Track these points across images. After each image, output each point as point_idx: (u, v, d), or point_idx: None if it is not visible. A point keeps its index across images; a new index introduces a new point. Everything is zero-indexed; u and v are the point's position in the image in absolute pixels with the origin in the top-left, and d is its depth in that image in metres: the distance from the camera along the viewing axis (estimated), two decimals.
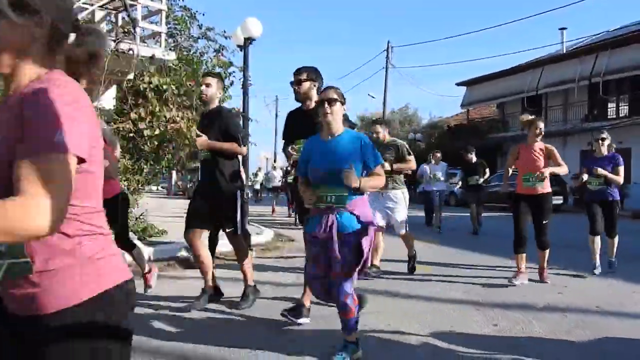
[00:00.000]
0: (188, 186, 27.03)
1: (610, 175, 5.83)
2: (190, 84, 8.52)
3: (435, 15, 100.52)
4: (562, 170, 5.42)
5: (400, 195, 5.91)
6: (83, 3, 8.28)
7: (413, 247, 6.14)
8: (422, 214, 12.12)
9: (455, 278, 5.73)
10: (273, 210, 15.87)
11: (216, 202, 4.35)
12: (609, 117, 21.54)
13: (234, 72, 13.52)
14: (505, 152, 25.36)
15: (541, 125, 5.45)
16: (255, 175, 23.03)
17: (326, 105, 3.15)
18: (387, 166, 5.40)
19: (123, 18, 9.00)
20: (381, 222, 5.78)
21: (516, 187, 5.66)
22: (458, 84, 29.43)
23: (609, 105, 22.06)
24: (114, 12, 9.12)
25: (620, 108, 21.64)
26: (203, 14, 15.44)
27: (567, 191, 19.46)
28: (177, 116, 7.25)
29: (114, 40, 7.92)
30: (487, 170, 10.77)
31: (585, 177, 5.85)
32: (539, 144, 5.44)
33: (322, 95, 3.24)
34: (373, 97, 32.68)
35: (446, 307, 4.45)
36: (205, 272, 4.45)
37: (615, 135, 19.66)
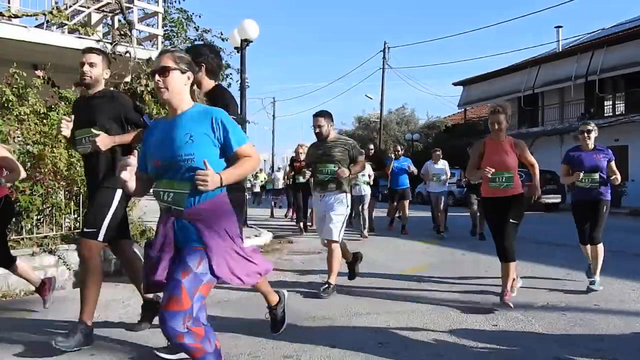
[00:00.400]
0: None
1: (619, 177, 5.19)
2: None
3: (432, 15, 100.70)
4: (537, 176, 4.79)
5: (345, 199, 5.11)
6: (80, 6, 8.27)
7: (350, 254, 5.42)
8: (422, 214, 12.14)
9: (454, 278, 5.73)
10: (272, 214, 15.83)
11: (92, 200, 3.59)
12: (605, 115, 21.61)
13: (231, 74, 13.54)
14: None
15: (500, 118, 4.53)
16: (255, 177, 22.93)
17: (157, 77, 2.43)
18: (346, 172, 4.99)
19: (119, 20, 8.99)
20: (327, 234, 5.05)
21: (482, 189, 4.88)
22: (455, 84, 29.51)
23: (606, 103, 22.14)
24: (110, 14, 9.13)
25: (616, 106, 21.73)
26: (199, 16, 15.43)
27: (565, 189, 19.51)
28: None
29: (111, 43, 7.91)
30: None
31: (581, 174, 5.12)
32: (508, 139, 4.68)
33: (154, 66, 2.50)
34: (370, 98, 32.73)
35: (445, 307, 4.45)
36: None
37: (612, 133, 19.92)
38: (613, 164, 5.18)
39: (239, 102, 10.60)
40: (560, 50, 23.91)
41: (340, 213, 5.04)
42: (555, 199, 18.62)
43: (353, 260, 5.47)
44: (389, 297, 4.88)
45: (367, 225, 9.74)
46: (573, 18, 71.18)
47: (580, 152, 5.26)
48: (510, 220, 4.46)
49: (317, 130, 5.12)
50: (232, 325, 3.93)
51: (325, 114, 5.16)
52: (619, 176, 5.18)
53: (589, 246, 5.13)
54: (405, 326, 3.89)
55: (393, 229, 10.72)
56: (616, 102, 21.83)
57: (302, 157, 10.06)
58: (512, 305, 4.32)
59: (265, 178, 23.32)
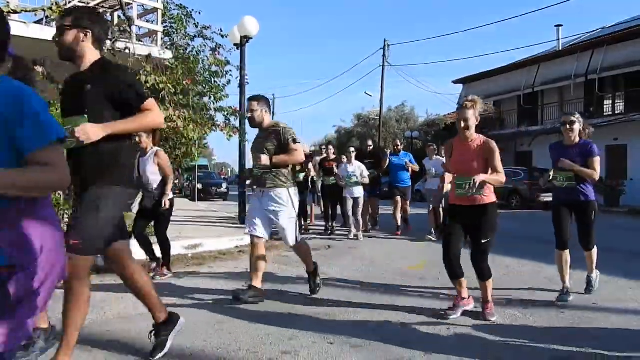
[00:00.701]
0: (185, 185, 27.03)
1: (579, 168, 4.46)
2: (186, 83, 8.50)
3: (432, 13, 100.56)
4: (498, 179, 3.92)
5: (286, 195, 4.57)
6: (79, 2, 8.25)
7: (312, 262, 4.90)
8: (422, 211, 12.13)
9: None
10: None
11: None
12: (605, 114, 21.62)
13: (230, 70, 13.52)
14: (502, 150, 25.42)
15: (466, 114, 3.92)
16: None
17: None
18: (265, 159, 4.45)
19: (119, 17, 8.97)
20: (261, 232, 4.60)
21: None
22: (455, 82, 29.48)
23: (605, 102, 22.14)
24: (109, 10, 9.10)
25: (616, 105, 21.73)
26: (199, 13, 15.39)
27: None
28: (174, 115, 7.24)
29: (110, 39, 7.89)
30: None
31: (551, 173, 4.58)
32: (478, 140, 4.00)
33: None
34: (370, 95, 32.73)
35: (443, 305, 4.46)
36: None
37: (612, 132, 19.93)
38: (595, 160, 4.50)
39: (238, 99, 10.68)
40: (561, 49, 23.89)
41: (287, 217, 4.56)
42: (549, 197, 18.61)
43: (313, 272, 4.92)
44: (388, 294, 4.88)
45: (360, 228, 9.11)
46: (573, 17, 71.19)
47: (560, 147, 4.75)
48: (482, 242, 3.92)
49: (249, 115, 4.70)
50: (231, 321, 3.94)
51: (259, 98, 4.74)
52: (594, 175, 4.50)
53: (567, 253, 4.61)
54: (403, 323, 3.90)
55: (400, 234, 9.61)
56: (616, 101, 21.83)
57: (333, 156, 10.12)
58: (494, 320, 3.96)
59: None
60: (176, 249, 6.98)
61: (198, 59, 13.11)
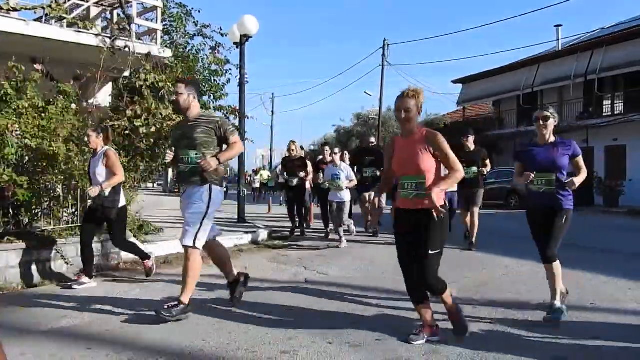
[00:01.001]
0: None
1: (581, 179, 3.99)
2: None
3: (431, 13, 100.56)
4: (454, 180, 3.44)
5: (206, 191, 4.04)
6: (78, 0, 8.24)
7: (232, 271, 4.39)
8: None
9: (450, 276, 5.73)
10: (269, 209, 15.85)
11: None
12: (604, 114, 21.63)
13: (230, 69, 13.51)
14: (502, 150, 25.48)
15: (407, 103, 3.40)
16: (256, 173, 22.88)
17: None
18: (213, 163, 3.93)
19: (118, 15, 8.96)
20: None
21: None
22: (454, 82, 29.47)
23: (605, 102, 22.15)
24: (109, 8, 9.09)
25: (615, 105, 21.74)
26: (199, 11, 15.40)
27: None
28: (173, 113, 7.23)
29: (110, 37, 7.89)
30: (489, 162, 8.12)
31: (532, 175, 4.05)
32: (420, 133, 3.47)
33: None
34: (369, 94, 32.73)
35: (442, 306, 4.46)
36: None
37: (611, 133, 19.92)
38: (580, 159, 4.08)
39: (238, 98, 10.68)
40: (560, 49, 23.90)
41: (196, 211, 4.00)
42: None
43: (235, 281, 4.39)
44: (387, 294, 4.88)
45: (342, 235, 8.10)
46: (573, 17, 71.22)
47: (534, 147, 4.24)
48: (430, 252, 3.32)
49: (174, 98, 4.17)
50: (230, 321, 3.93)
51: (187, 82, 4.24)
52: (581, 176, 4.03)
53: (556, 265, 4.07)
54: (402, 323, 3.89)
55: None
56: (615, 102, 21.84)
57: (329, 158, 9.00)
58: (437, 339, 3.50)
59: (269, 175, 23.22)
60: (175, 247, 6.98)
61: (197, 58, 13.14)
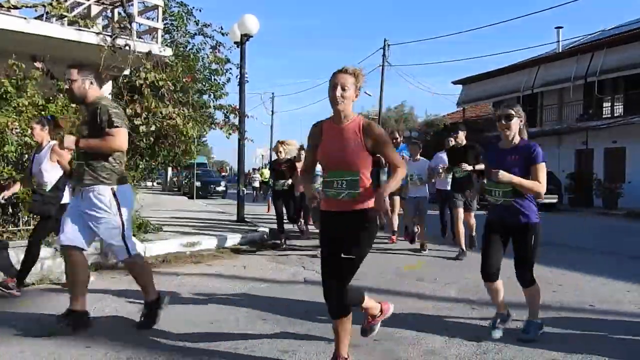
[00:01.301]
0: (183, 182, 27.02)
1: (519, 180, 3.34)
2: (186, 81, 8.50)
3: (432, 14, 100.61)
4: (398, 178, 2.94)
5: (109, 196, 3.57)
6: None
7: (153, 290, 3.81)
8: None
9: (449, 277, 5.74)
10: (269, 209, 15.84)
11: None
12: (604, 116, 21.65)
13: (230, 68, 13.51)
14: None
15: (347, 81, 2.84)
16: (257, 171, 22.85)
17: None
18: (69, 142, 3.54)
19: (119, 13, 8.95)
20: (79, 242, 3.60)
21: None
22: (454, 82, 29.48)
23: (604, 104, 22.17)
24: (110, 7, 9.08)
25: (615, 107, 21.75)
26: (200, 10, 15.42)
27: (561, 189, 19.56)
28: (174, 112, 7.23)
29: (110, 36, 7.89)
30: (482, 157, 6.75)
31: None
32: (356, 121, 2.92)
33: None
34: (369, 95, 32.68)
35: (440, 306, 4.47)
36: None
37: (611, 135, 19.92)
38: (539, 168, 3.37)
39: (238, 97, 10.68)
40: (560, 50, 23.90)
41: (109, 226, 3.58)
42: (551, 199, 18.67)
43: (154, 302, 3.78)
44: (386, 294, 4.88)
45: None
46: (574, 19, 71.24)
47: (496, 151, 3.64)
48: (346, 256, 2.83)
49: (67, 86, 3.74)
50: (229, 320, 3.94)
51: (81, 66, 3.71)
52: (538, 188, 3.35)
53: (499, 283, 3.59)
54: (400, 323, 3.90)
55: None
56: (615, 104, 21.85)
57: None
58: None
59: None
60: (174, 246, 6.99)
61: (198, 57, 13.14)
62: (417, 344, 3.44)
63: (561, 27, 24.45)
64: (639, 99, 19.84)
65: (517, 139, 3.52)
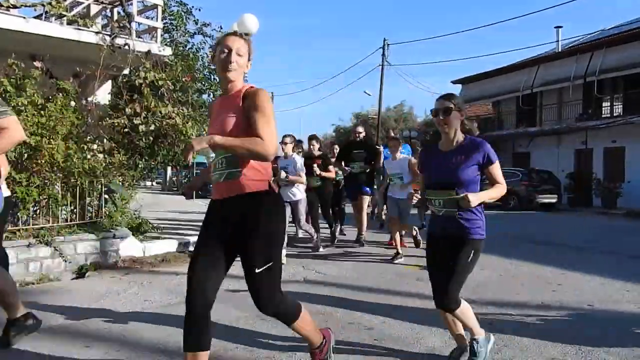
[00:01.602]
0: (183, 182, 27.03)
1: (490, 195, 2.86)
2: (186, 80, 8.49)
3: (431, 13, 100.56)
4: (242, 146, 2.28)
5: None
6: None
7: (18, 305, 3.25)
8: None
9: None
10: None
11: None
12: (603, 115, 21.66)
13: None
14: (501, 151, 25.49)
15: (240, 45, 2.47)
16: None
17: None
18: None
19: (119, 13, 8.96)
20: None
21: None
22: (453, 82, 29.48)
23: (604, 104, 22.18)
24: (109, 6, 9.08)
25: (614, 107, 21.77)
26: (199, 9, 15.43)
27: (561, 189, 19.58)
28: (173, 112, 7.23)
29: (110, 35, 7.88)
30: None
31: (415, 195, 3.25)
32: (241, 90, 2.45)
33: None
34: (369, 94, 32.72)
35: None
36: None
37: (610, 134, 19.94)
38: (494, 169, 2.92)
39: None
40: (560, 50, 23.92)
41: None
42: (551, 198, 18.70)
43: (17, 321, 3.24)
44: (385, 294, 4.89)
45: (316, 236, 7.34)
46: (573, 19, 71.25)
47: (435, 152, 3.06)
48: (256, 271, 2.35)
49: None
50: (228, 320, 3.94)
51: None
52: (493, 191, 2.89)
53: (458, 310, 2.90)
54: (400, 323, 3.90)
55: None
56: (614, 104, 21.87)
57: (317, 153, 7.78)
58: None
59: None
60: (174, 246, 6.99)
61: (197, 56, 13.15)
62: (417, 344, 3.44)
63: (561, 27, 24.49)
64: (638, 99, 19.85)
65: (460, 137, 2.98)
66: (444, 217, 2.91)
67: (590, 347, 3.37)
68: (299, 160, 6.91)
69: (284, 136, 7.09)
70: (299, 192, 6.89)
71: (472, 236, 2.87)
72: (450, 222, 2.89)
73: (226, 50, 2.42)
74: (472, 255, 2.86)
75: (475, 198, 2.74)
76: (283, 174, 6.66)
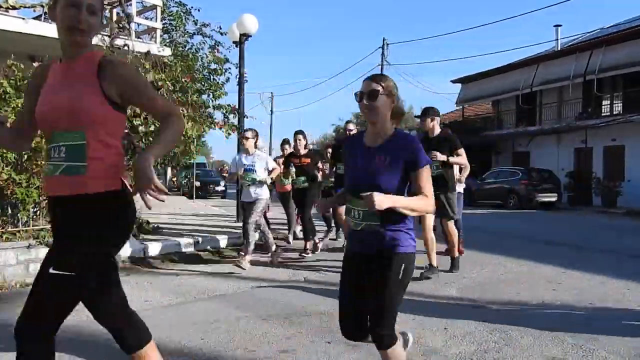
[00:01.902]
0: (182, 183, 27.02)
1: (405, 204, 2.22)
2: (185, 81, 8.48)
3: (430, 13, 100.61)
4: (171, 139, 2.08)
5: None
6: None
7: None
8: None
9: (449, 276, 5.74)
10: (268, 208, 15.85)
11: None
12: (603, 114, 21.65)
13: (229, 68, 13.51)
14: (501, 151, 25.50)
15: (96, 2, 1.90)
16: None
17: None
18: None
19: (118, 13, 8.96)
20: None
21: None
22: (453, 81, 29.47)
23: (603, 102, 22.17)
24: (108, 7, 9.08)
25: (614, 105, 21.76)
26: (199, 10, 15.43)
27: (561, 188, 19.58)
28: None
29: (109, 36, 7.88)
30: (462, 152, 5.69)
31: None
32: (93, 55, 1.95)
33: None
34: None
35: (441, 305, 4.47)
36: None
37: (610, 133, 19.93)
38: (423, 173, 2.27)
39: (237, 97, 10.67)
40: (559, 49, 23.91)
41: None
42: (551, 197, 18.70)
43: None
44: None
45: (270, 242, 6.67)
46: (573, 17, 71.23)
47: (359, 148, 2.41)
48: (50, 272, 1.99)
49: None
50: (228, 320, 3.94)
51: None
52: (428, 207, 2.30)
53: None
54: (400, 322, 3.89)
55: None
56: (614, 102, 21.85)
57: (303, 150, 7.43)
58: None
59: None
60: (174, 246, 6.98)
61: (197, 57, 13.14)
62: (417, 343, 3.43)
63: (560, 25, 24.48)
64: (638, 97, 19.84)
65: (389, 130, 2.34)
66: (364, 233, 2.32)
67: (591, 346, 3.37)
68: (267, 157, 6.54)
69: (245, 130, 6.61)
70: (264, 192, 6.25)
71: (401, 249, 2.29)
72: (374, 237, 2.30)
73: (74, 5, 1.84)
74: (401, 273, 2.29)
75: (387, 200, 2.12)
76: (264, 173, 6.23)
